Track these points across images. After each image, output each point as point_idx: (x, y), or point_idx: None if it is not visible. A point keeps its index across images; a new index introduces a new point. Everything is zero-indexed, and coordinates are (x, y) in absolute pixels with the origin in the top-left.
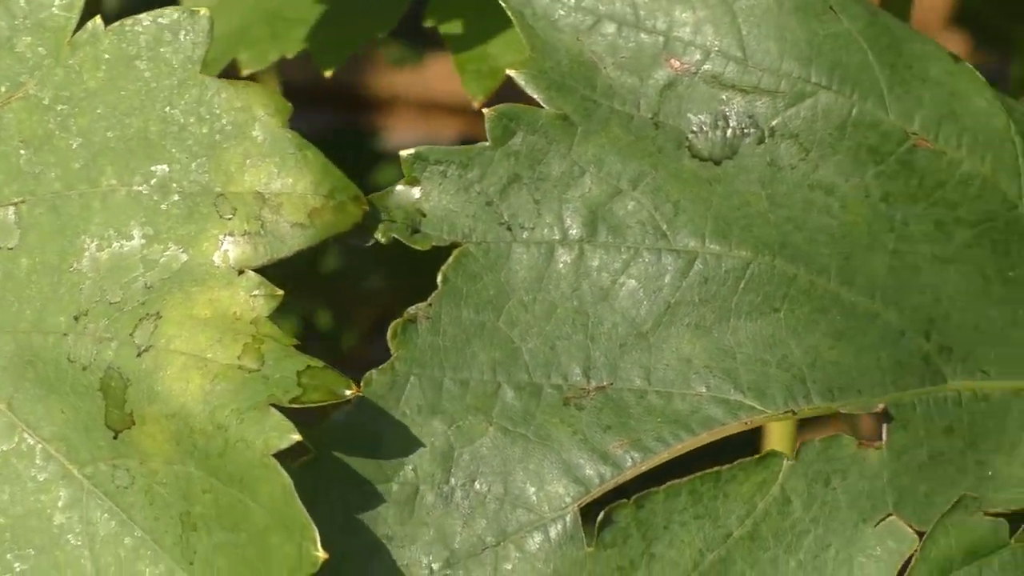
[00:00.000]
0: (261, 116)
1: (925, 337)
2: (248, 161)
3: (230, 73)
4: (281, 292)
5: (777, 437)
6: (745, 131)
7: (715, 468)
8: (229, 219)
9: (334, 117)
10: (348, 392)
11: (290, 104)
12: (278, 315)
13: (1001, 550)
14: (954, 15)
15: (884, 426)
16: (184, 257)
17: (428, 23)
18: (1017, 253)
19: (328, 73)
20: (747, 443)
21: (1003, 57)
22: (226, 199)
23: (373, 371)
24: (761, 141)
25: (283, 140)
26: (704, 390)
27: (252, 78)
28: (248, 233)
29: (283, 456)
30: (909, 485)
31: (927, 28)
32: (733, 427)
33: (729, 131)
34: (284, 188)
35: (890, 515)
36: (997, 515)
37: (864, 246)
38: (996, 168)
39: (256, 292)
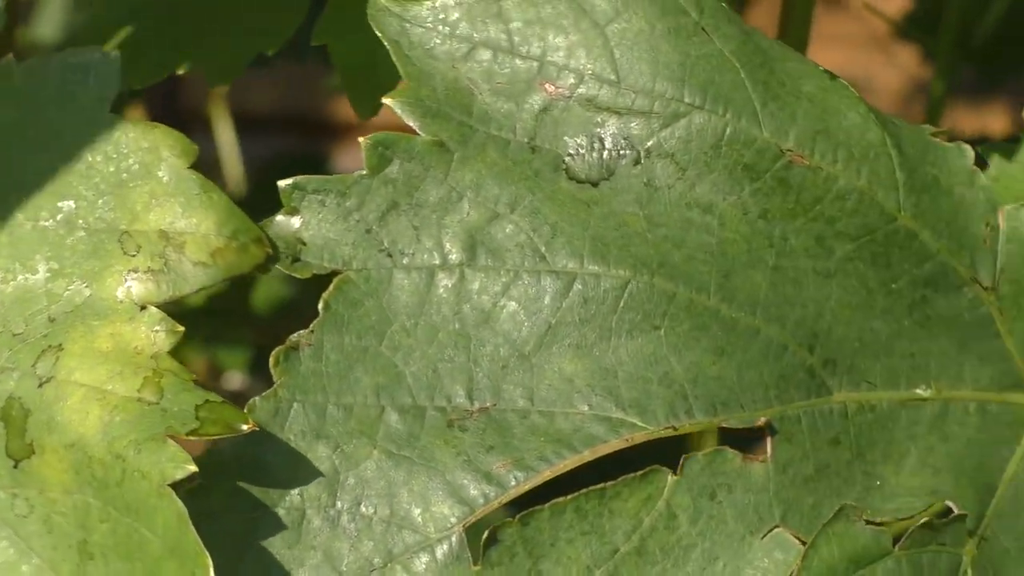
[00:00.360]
0: (167, 157)
1: (809, 351)
2: (154, 200)
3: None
4: (182, 328)
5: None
6: (621, 152)
7: (600, 485)
8: (133, 256)
9: (294, 142)
10: (245, 426)
11: (195, 146)
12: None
13: (885, 558)
14: (904, 27)
15: (769, 439)
16: (88, 292)
17: (316, 42)
18: (898, 265)
19: (218, 90)
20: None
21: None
22: (131, 236)
23: (256, 398)
24: (637, 162)
25: (188, 181)
26: (586, 409)
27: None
28: (152, 270)
29: (178, 486)
30: (795, 497)
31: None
32: (615, 444)
33: (605, 153)
34: (188, 228)
35: (777, 527)
36: (885, 524)
37: (744, 263)
38: (873, 182)
39: (157, 328)
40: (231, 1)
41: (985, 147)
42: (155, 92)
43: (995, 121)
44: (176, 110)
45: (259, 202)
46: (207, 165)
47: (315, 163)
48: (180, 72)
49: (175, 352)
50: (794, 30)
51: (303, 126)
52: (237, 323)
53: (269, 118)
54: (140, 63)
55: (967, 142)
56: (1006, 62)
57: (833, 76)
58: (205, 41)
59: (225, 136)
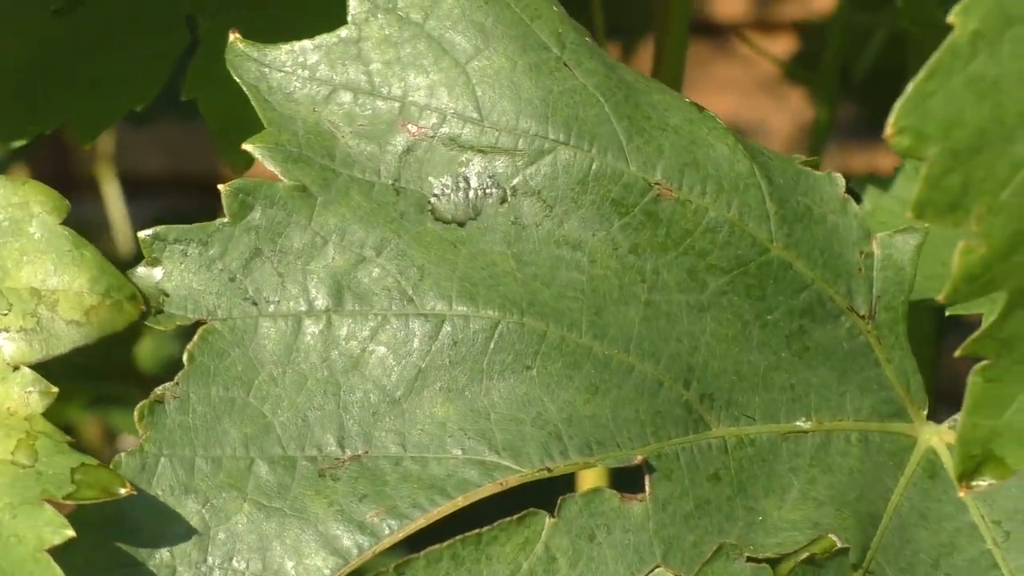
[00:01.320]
0: (38, 213)
1: (685, 386)
2: (25, 257)
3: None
4: (55, 389)
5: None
6: (487, 191)
7: (475, 531)
8: (5, 315)
9: (185, 202)
10: (123, 490)
11: (67, 201)
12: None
13: None
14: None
15: (647, 477)
16: None
17: (186, 97)
18: (774, 296)
19: (87, 147)
20: None
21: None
22: (2, 295)
23: (122, 454)
24: (504, 200)
25: (60, 237)
26: (459, 453)
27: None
28: (24, 329)
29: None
30: (676, 536)
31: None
32: (488, 488)
33: (471, 192)
34: (61, 285)
35: (658, 567)
36: (767, 560)
37: (615, 299)
38: (743, 213)
39: (31, 388)
40: (95, 58)
41: (858, 181)
42: (43, 155)
43: (884, 159)
44: (65, 173)
45: None
46: (97, 228)
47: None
48: (47, 132)
49: (49, 413)
50: (667, 66)
51: (193, 186)
52: (127, 383)
53: (159, 179)
54: (4, 122)
55: (859, 179)
56: (889, 97)
57: (700, 108)
58: (72, 99)
59: (114, 198)
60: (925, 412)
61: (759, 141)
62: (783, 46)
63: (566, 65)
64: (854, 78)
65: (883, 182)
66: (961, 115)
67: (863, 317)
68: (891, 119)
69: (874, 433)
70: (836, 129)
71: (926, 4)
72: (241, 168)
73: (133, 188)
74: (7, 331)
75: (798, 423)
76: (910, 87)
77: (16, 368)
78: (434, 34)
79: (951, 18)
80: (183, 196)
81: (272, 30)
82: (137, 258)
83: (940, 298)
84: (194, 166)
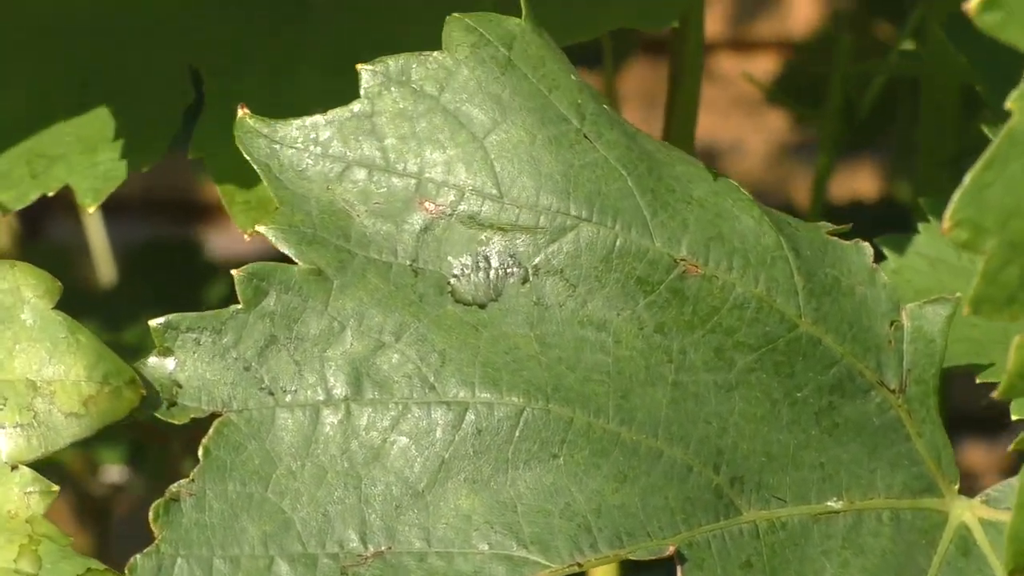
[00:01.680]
0: (30, 298)
1: (714, 470)
2: (17, 346)
3: None
4: (56, 488)
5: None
6: (508, 271)
7: None
8: (0, 410)
9: (165, 225)
10: None
11: (60, 283)
12: None
13: None
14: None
15: (679, 568)
16: None
17: (193, 156)
18: (803, 373)
19: (91, 210)
20: None
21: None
22: None
23: (137, 556)
24: (526, 280)
25: (54, 323)
26: (486, 547)
27: None
28: (20, 425)
29: None
30: None
31: (747, 104)
32: None
33: (492, 272)
34: (56, 375)
35: None
36: None
37: (642, 381)
38: (771, 288)
39: (31, 489)
40: (98, 113)
41: (881, 239)
42: None
43: (864, 183)
44: (42, 197)
45: (130, 291)
46: (76, 253)
47: (187, 248)
48: (51, 194)
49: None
50: (680, 125)
51: (173, 209)
52: None
53: (137, 202)
54: (7, 185)
55: (844, 208)
56: (873, 123)
57: (724, 177)
58: (74, 159)
59: (93, 222)
60: (956, 486)
61: (736, 161)
62: (761, 66)
63: (586, 137)
64: (853, 124)
65: (906, 239)
66: (1020, 206)
67: (893, 391)
68: (948, 212)
69: (905, 511)
70: (812, 150)
71: (949, 52)
72: (250, 226)
73: (110, 210)
74: (3, 427)
75: (829, 503)
76: (968, 178)
77: (15, 467)
78: (450, 107)
79: (1009, 104)
80: (160, 217)
81: (278, 97)
82: (119, 286)
83: (996, 395)
84: (171, 187)
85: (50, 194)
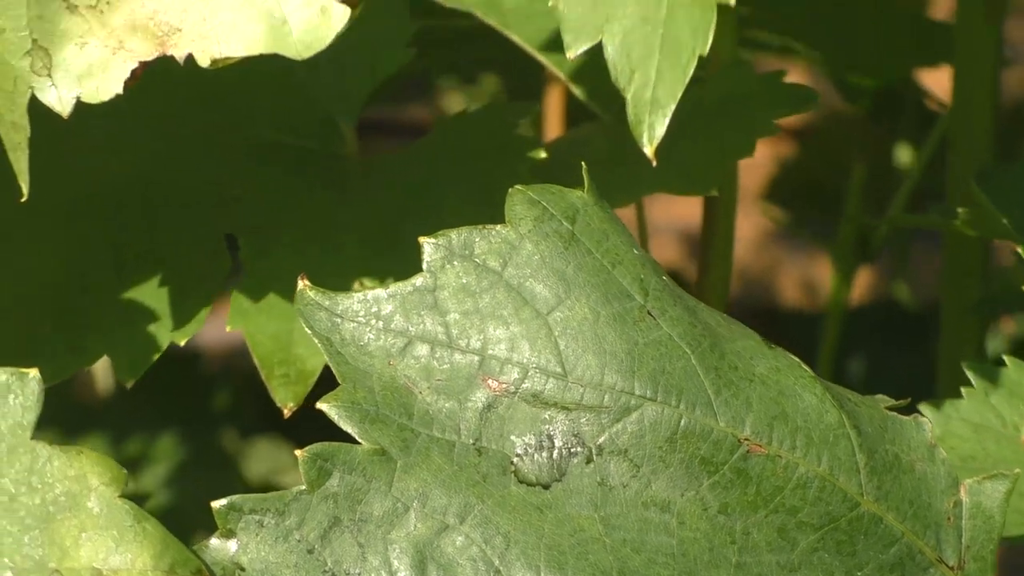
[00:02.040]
0: (96, 486)
1: None
2: (84, 535)
3: None
4: None
5: None
6: (572, 451)
7: None
8: None
9: None
10: None
11: (125, 471)
12: None
13: None
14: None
15: None
16: None
17: (231, 327)
18: (864, 552)
19: (129, 384)
20: None
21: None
22: None
23: None
24: (589, 460)
25: (120, 512)
26: None
27: None
28: None
29: None
30: None
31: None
32: None
33: (555, 452)
34: (123, 564)
35: None
36: None
37: (706, 563)
38: (833, 467)
39: None
40: (134, 288)
41: (923, 404)
42: None
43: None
44: None
45: (131, 402)
46: None
47: (185, 358)
48: (87, 368)
49: None
50: (715, 268)
51: None
52: None
53: None
54: (44, 358)
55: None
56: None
57: (785, 354)
58: (111, 332)
59: None
60: None
61: None
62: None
63: (650, 314)
64: (867, 261)
65: (950, 404)
66: None
67: (952, 568)
68: None
69: None
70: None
71: (991, 215)
72: (291, 402)
73: None
74: None
75: None
76: None
77: None
78: (513, 283)
79: None
80: None
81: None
82: (120, 398)
83: None
84: None
85: (87, 368)
